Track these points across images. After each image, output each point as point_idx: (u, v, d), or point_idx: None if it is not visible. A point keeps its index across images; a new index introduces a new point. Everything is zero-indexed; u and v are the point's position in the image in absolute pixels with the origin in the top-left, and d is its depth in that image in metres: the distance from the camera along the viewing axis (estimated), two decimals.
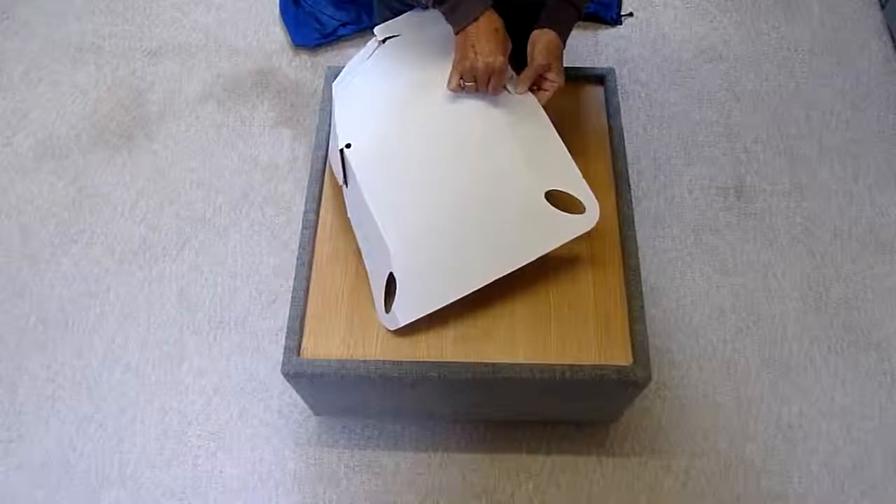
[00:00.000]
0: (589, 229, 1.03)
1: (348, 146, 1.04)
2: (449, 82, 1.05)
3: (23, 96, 1.74)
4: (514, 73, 1.08)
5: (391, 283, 1.02)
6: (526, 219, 1.02)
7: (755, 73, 1.75)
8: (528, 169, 1.05)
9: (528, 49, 1.06)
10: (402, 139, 1.06)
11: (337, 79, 1.18)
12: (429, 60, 1.09)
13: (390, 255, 1.00)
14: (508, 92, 1.08)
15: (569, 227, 1.03)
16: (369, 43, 1.15)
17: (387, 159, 1.04)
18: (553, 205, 1.03)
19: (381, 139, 1.05)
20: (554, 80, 1.06)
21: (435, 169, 1.04)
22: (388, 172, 1.04)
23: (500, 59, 0.99)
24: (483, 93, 1.05)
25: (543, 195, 1.03)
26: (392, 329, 1.03)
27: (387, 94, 1.08)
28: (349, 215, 1.10)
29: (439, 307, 1.01)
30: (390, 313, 1.02)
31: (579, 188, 1.05)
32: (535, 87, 1.09)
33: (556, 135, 1.07)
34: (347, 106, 1.10)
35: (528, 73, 1.06)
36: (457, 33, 1.01)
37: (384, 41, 1.13)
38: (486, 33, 0.98)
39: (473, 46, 0.99)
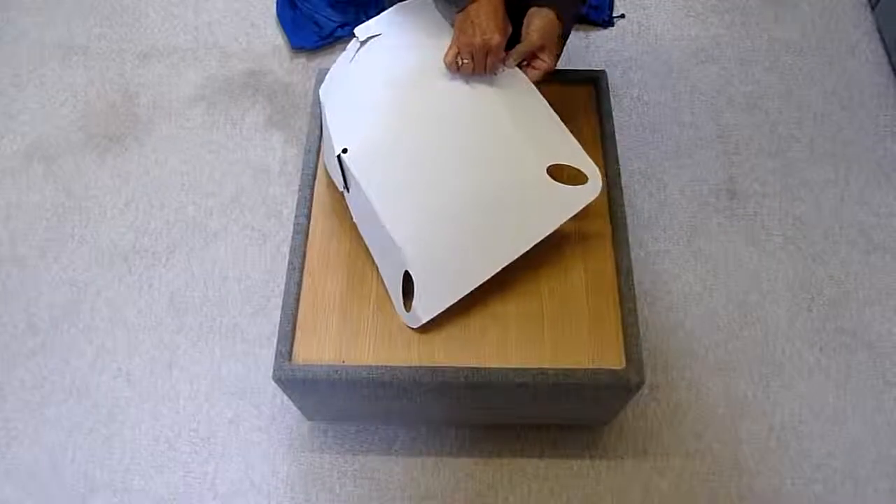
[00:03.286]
0: (594, 197, 1.04)
1: (345, 151, 1.03)
2: (446, 55, 1.04)
3: (11, 99, 1.73)
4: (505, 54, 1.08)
5: (408, 282, 1.02)
6: (532, 197, 1.03)
7: (746, 75, 1.75)
8: (527, 147, 1.05)
9: (524, 25, 1.05)
10: (398, 135, 1.05)
11: (323, 84, 1.17)
12: (414, 54, 1.09)
13: (402, 253, 1.00)
14: (502, 71, 1.08)
15: (574, 199, 1.03)
16: (350, 45, 1.15)
17: (385, 158, 1.04)
18: (555, 179, 1.03)
19: (377, 139, 1.05)
20: (545, 61, 1.06)
21: (435, 160, 1.04)
22: (388, 171, 1.03)
23: (497, 37, 0.99)
24: (478, 72, 1.04)
25: (545, 171, 1.03)
26: (415, 328, 1.03)
27: (376, 93, 1.07)
28: (355, 220, 1.09)
29: (460, 297, 1.01)
30: (411, 312, 1.02)
31: (579, 158, 1.05)
32: (525, 63, 1.09)
33: (549, 108, 1.07)
34: (338, 110, 1.09)
35: (520, 49, 1.05)
36: (458, 12, 1.01)
37: (365, 41, 1.13)
38: (487, 11, 0.99)
39: (473, 23, 0.99)
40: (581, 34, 1.82)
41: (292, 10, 1.83)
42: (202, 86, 1.74)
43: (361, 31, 1.13)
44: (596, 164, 1.06)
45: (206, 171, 1.61)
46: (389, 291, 1.05)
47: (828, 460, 1.28)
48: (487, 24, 0.99)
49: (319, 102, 1.16)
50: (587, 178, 1.05)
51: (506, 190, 1.03)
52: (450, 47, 1.05)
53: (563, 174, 1.05)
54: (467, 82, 1.07)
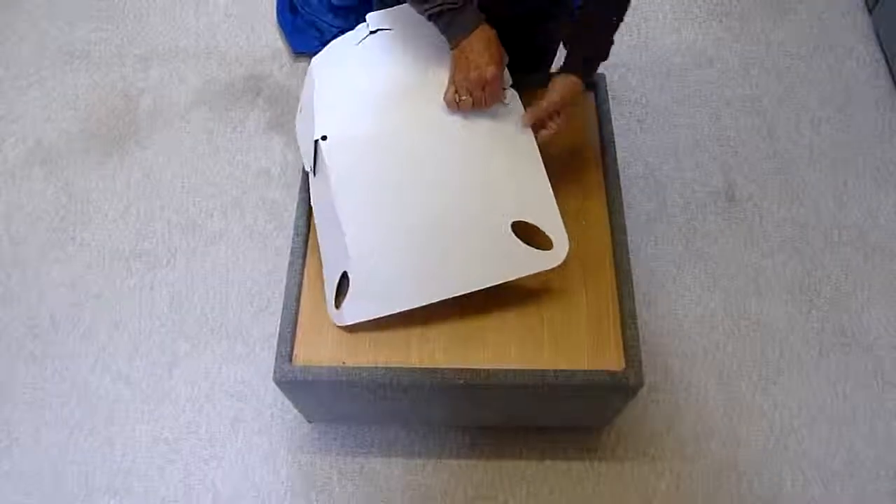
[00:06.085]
0: (551, 267, 1.01)
1: (324, 138, 1.02)
2: (445, 94, 1.05)
3: (13, 102, 1.73)
4: (514, 92, 1.07)
5: (344, 279, 1.02)
6: (488, 245, 1.01)
7: (744, 78, 1.76)
8: (502, 194, 1.03)
9: (549, 88, 1.04)
10: (382, 142, 1.04)
11: (318, 56, 1.13)
12: (420, 62, 1.08)
13: (348, 255, 0.99)
14: (504, 104, 1.07)
15: (531, 262, 1.01)
16: (360, 27, 1.12)
17: (362, 159, 1.03)
18: (524, 234, 1.01)
19: (359, 137, 1.04)
20: (557, 124, 1.05)
21: (408, 177, 1.03)
22: (361, 175, 1.03)
23: (491, 69, 1.00)
24: (478, 108, 1.04)
25: (510, 224, 1.01)
26: (339, 325, 1.03)
27: (372, 91, 1.07)
28: (312, 204, 1.08)
29: (386, 314, 1.01)
30: (339, 310, 1.02)
31: (551, 223, 1.02)
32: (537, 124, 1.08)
33: (541, 163, 1.05)
34: (329, 93, 1.07)
35: (539, 111, 1.04)
36: (453, 48, 1.02)
37: (375, 31, 1.11)
38: (480, 45, 1.00)
39: (467, 58, 1.00)
40: None
41: (293, 14, 1.83)
42: (203, 90, 1.75)
43: (374, 19, 1.11)
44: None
45: (206, 174, 1.62)
46: (325, 285, 1.05)
47: (827, 462, 1.28)
48: (481, 57, 0.99)
49: (311, 71, 1.12)
50: (550, 244, 1.01)
51: (465, 230, 1.01)
52: (448, 86, 1.04)
53: (534, 232, 1.02)
54: (468, 114, 1.06)
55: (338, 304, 1.03)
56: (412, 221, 1.01)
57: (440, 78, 1.06)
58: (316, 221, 1.08)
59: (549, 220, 1.02)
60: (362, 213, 1.01)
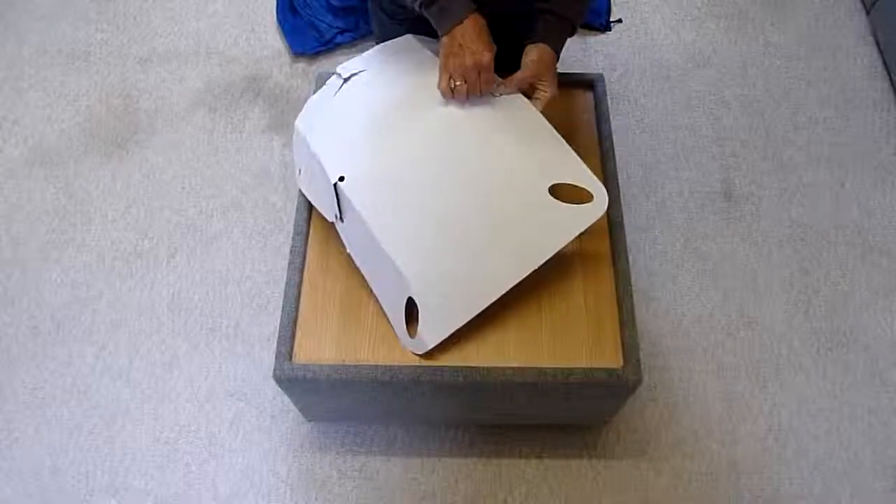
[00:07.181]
0: (600, 216, 1.03)
1: (342, 179, 1.02)
2: (439, 82, 1.05)
3: (13, 103, 1.74)
4: (501, 80, 1.09)
5: (410, 307, 1.01)
6: (535, 217, 1.03)
7: (743, 79, 1.76)
8: (528, 167, 1.05)
9: (522, 61, 1.08)
10: (395, 164, 1.05)
11: (300, 117, 1.15)
12: (403, 86, 1.10)
13: (406, 280, 0.99)
14: (494, 95, 1.08)
15: (580, 218, 1.03)
16: (330, 80, 1.15)
17: (383, 187, 1.03)
18: (559, 197, 1.03)
19: (373, 168, 1.04)
20: (545, 90, 1.08)
21: (434, 186, 1.03)
22: (388, 199, 1.03)
23: (487, 55, 1.01)
24: (473, 93, 1.05)
25: (548, 191, 1.03)
26: (420, 354, 1.02)
27: (367, 125, 1.07)
28: (349, 250, 1.08)
29: (467, 321, 1.01)
30: (416, 338, 1.01)
31: (583, 177, 1.05)
32: (525, 95, 1.10)
33: (550, 127, 1.07)
34: (327, 142, 1.08)
35: (516, 77, 1.07)
36: (443, 35, 1.02)
37: (348, 78, 1.13)
38: (473, 32, 1.00)
39: (460, 45, 1.01)
40: (579, 38, 1.83)
41: (293, 15, 1.84)
42: (203, 90, 1.75)
43: (345, 69, 1.13)
44: (594, 167, 1.06)
45: (206, 174, 1.62)
46: (391, 320, 1.04)
47: (825, 460, 1.29)
48: (475, 44, 1.00)
49: (297, 132, 1.14)
50: (590, 196, 1.04)
51: (509, 211, 1.02)
52: (441, 74, 1.05)
53: (563, 192, 1.04)
54: (461, 108, 1.07)
55: (412, 334, 1.02)
56: (455, 225, 1.02)
57: (429, 88, 1.07)
58: (359, 265, 1.07)
59: (579, 174, 1.05)
60: (405, 235, 1.01)
